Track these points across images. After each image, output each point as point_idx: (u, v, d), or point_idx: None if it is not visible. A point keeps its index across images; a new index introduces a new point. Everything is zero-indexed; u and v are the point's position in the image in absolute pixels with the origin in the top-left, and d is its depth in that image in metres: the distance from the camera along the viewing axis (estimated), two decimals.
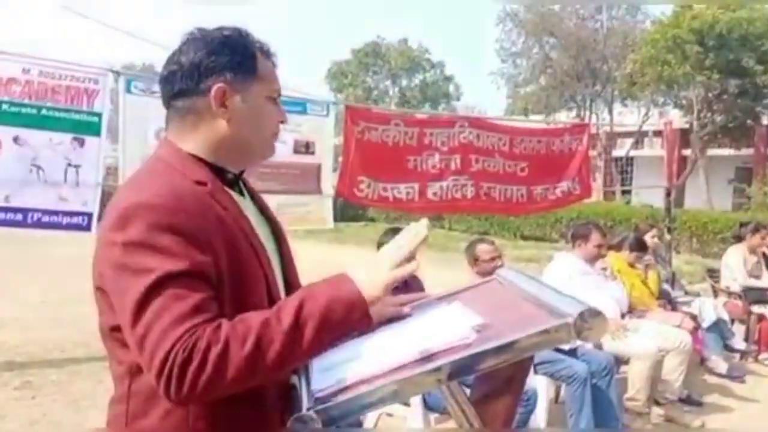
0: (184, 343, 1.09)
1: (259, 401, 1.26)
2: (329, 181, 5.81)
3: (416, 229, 1.26)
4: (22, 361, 5.24)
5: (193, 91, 1.30)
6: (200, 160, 1.31)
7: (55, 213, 4.63)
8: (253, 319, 1.14)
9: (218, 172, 1.32)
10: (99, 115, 4.74)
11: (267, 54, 1.37)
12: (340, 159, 5.84)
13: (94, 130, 4.72)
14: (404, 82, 38.46)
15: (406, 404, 3.28)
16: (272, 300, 1.30)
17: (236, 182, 1.39)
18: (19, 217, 4.55)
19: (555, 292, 1.40)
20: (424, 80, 38.51)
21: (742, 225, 6.76)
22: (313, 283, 1.25)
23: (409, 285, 3.67)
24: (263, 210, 1.46)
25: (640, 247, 5.06)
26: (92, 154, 4.73)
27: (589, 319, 1.20)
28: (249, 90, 1.31)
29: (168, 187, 1.21)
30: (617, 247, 5.04)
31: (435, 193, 6.03)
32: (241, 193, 1.40)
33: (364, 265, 1.24)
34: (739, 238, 6.52)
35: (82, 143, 4.67)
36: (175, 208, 1.17)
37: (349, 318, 1.18)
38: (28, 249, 10.36)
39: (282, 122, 1.40)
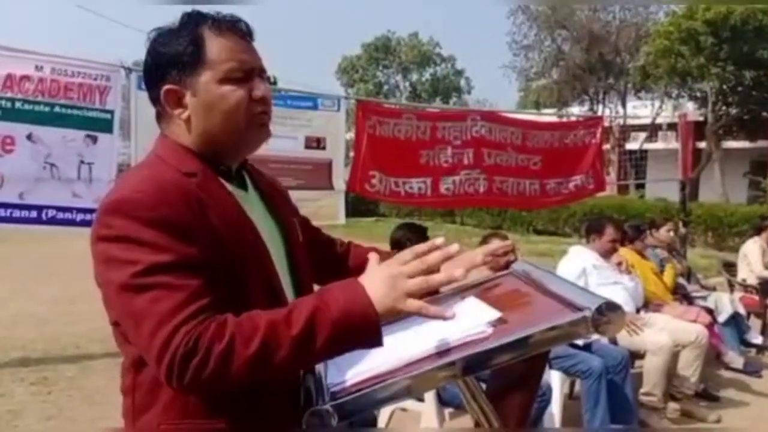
0: (186, 334, 1.07)
1: (266, 394, 1.23)
2: (341, 177, 5.81)
3: (452, 273, 1.14)
4: (37, 357, 5.28)
5: (154, 98, 1.30)
6: (193, 152, 1.28)
7: (69, 210, 4.66)
8: (261, 319, 1.10)
9: (211, 164, 1.29)
10: (111, 112, 4.76)
11: (223, 28, 1.27)
12: (352, 154, 5.83)
13: (106, 126, 4.74)
14: (415, 77, 38.39)
15: (421, 399, 3.27)
16: (273, 292, 1.27)
17: (235, 175, 1.35)
18: (34, 214, 4.58)
19: (571, 286, 1.39)
20: (435, 74, 38.43)
21: (762, 218, 6.74)
22: (326, 288, 1.18)
23: None
24: (271, 205, 1.41)
25: (637, 232, 5.04)
26: (105, 150, 4.75)
27: (607, 312, 1.18)
28: (197, 81, 1.25)
29: (151, 180, 1.19)
30: (629, 240, 5.00)
31: (447, 188, 6.01)
32: (243, 186, 1.35)
33: (382, 278, 1.13)
34: (758, 230, 6.48)
35: (95, 140, 4.69)
36: (155, 202, 1.15)
37: (360, 334, 1.11)
38: (42, 246, 10.45)
39: (262, 98, 1.28)
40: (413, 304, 1.10)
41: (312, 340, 1.09)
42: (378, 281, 1.13)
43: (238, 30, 1.29)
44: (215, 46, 1.25)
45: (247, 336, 1.08)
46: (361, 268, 1.29)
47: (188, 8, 1.30)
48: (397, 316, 1.13)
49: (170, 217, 1.15)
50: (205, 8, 1.30)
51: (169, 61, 1.26)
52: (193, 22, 1.27)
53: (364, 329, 1.10)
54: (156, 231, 1.13)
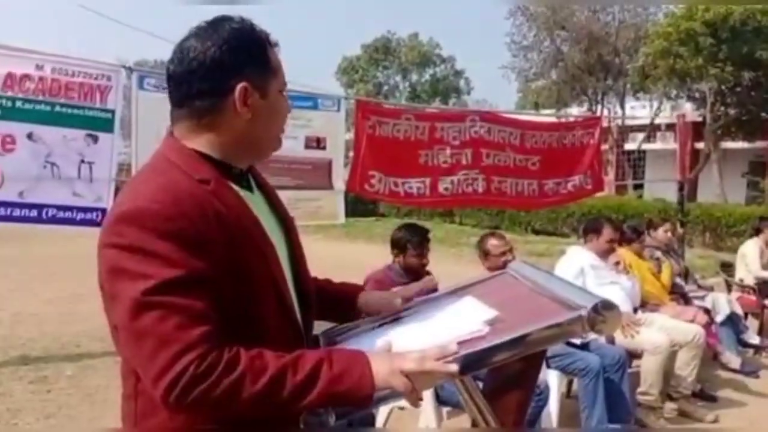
0: (196, 358, 1.10)
1: None
2: (340, 176, 5.82)
3: (448, 367, 1.19)
4: (37, 356, 5.29)
5: (216, 91, 1.25)
6: (205, 156, 1.28)
7: (70, 209, 4.67)
8: (271, 360, 1.15)
9: (224, 168, 1.29)
10: (112, 111, 4.77)
11: (272, 43, 1.33)
12: (351, 154, 5.84)
13: (107, 126, 4.75)
14: (414, 77, 38.42)
15: None
16: (280, 298, 1.29)
17: (244, 177, 1.36)
18: (34, 213, 4.59)
19: (568, 285, 1.40)
20: (434, 75, 38.45)
21: (761, 218, 6.75)
22: (336, 348, 1.30)
23: (420, 280, 3.67)
24: (274, 205, 1.43)
25: (636, 233, 5.06)
26: (105, 150, 4.76)
27: (603, 311, 1.20)
28: (267, 86, 1.29)
29: (166, 189, 1.19)
30: (627, 242, 5.02)
31: (446, 188, 6.02)
32: (250, 189, 1.36)
33: (386, 353, 1.23)
34: (758, 231, 6.50)
35: (95, 139, 4.70)
36: (172, 214, 1.15)
37: (352, 395, 1.16)
38: (42, 245, 10.46)
39: (289, 111, 1.39)
40: (403, 382, 1.16)
41: (310, 388, 1.14)
42: (381, 355, 1.22)
43: (277, 49, 1.34)
44: (275, 58, 1.32)
45: (257, 374, 1.13)
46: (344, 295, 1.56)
47: (210, 8, 1.31)
48: (390, 388, 1.17)
49: (186, 229, 1.16)
50: (207, 9, 1.32)
51: (248, 58, 1.26)
52: (254, 29, 1.29)
53: (358, 391, 1.16)
54: (170, 243, 1.14)
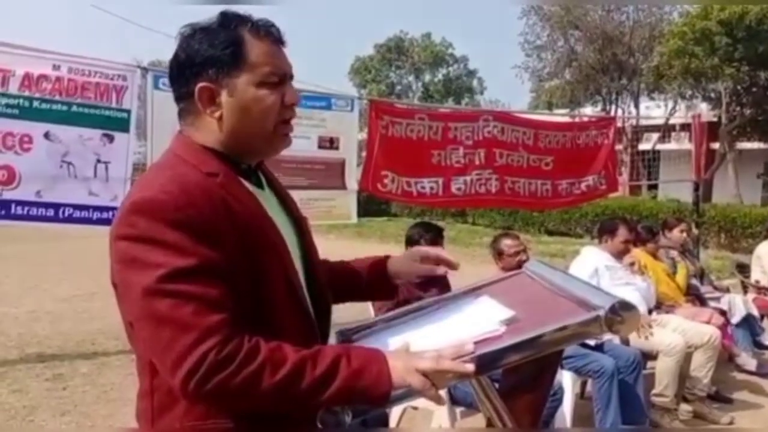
0: (216, 345, 1.10)
1: None
2: (353, 176, 5.83)
3: (465, 367, 1.18)
4: (53, 354, 5.34)
5: (185, 93, 1.29)
6: (213, 151, 1.29)
7: (86, 208, 4.71)
8: (291, 352, 1.15)
9: (232, 163, 1.30)
10: (128, 111, 4.81)
11: (261, 33, 1.29)
12: (364, 154, 5.85)
13: (123, 126, 4.79)
14: (427, 77, 38.39)
15: None
16: (293, 294, 1.29)
17: (253, 173, 1.36)
18: (51, 212, 4.64)
19: (585, 285, 1.39)
20: (447, 75, 38.41)
21: None
22: (355, 346, 1.31)
23: (434, 280, 3.67)
24: (286, 205, 1.43)
25: (650, 234, 5.03)
26: (121, 149, 4.80)
27: (621, 312, 1.19)
28: (235, 82, 1.26)
29: (176, 181, 1.20)
30: (641, 242, 5.00)
31: (459, 188, 6.01)
32: (260, 185, 1.36)
33: (403, 352, 1.24)
34: None
35: (111, 139, 4.74)
36: (182, 204, 1.16)
37: (369, 391, 1.17)
38: (58, 243, 10.55)
39: (292, 104, 1.32)
40: (419, 380, 1.16)
41: (329, 383, 1.14)
42: (398, 353, 1.23)
43: (273, 35, 1.30)
44: (255, 49, 1.27)
45: (276, 365, 1.13)
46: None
47: (218, 8, 1.30)
48: (407, 386, 1.17)
49: (196, 218, 1.16)
50: (223, 8, 1.31)
51: (207, 59, 1.25)
52: (232, 23, 1.28)
53: (375, 388, 1.16)
54: (180, 233, 1.14)
